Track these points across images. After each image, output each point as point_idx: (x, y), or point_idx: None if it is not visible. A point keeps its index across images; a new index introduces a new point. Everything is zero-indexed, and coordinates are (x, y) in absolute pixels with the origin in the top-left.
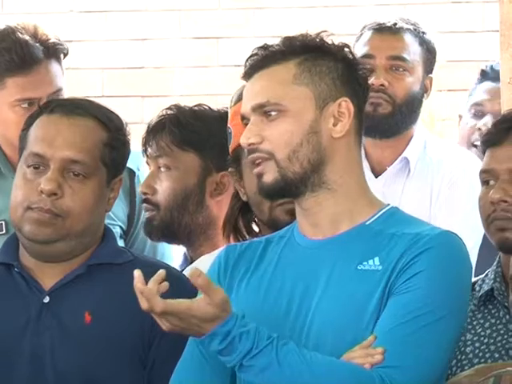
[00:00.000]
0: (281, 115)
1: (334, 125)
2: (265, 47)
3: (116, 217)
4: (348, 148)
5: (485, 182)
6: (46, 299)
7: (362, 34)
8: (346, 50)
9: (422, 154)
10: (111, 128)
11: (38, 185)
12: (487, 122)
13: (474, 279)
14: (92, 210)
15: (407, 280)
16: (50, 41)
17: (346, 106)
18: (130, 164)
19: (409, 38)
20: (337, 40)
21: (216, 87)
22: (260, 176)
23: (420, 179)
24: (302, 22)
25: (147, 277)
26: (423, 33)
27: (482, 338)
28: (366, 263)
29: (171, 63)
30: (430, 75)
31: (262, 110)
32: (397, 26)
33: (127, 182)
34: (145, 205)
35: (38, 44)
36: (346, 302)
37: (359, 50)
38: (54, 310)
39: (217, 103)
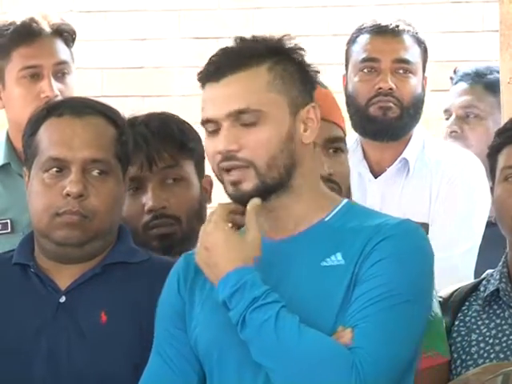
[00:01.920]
0: (259, 122)
1: (305, 130)
2: (230, 50)
3: None
4: (312, 151)
5: (506, 179)
6: (63, 299)
7: (357, 36)
8: (303, 52)
9: (420, 154)
10: (119, 123)
11: (62, 189)
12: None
13: (477, 279)
14: (114, 208)
15: (370, 268)
16: (57, 20)
17: (313, 111)
18: None
19: (409, 40)
20: (338, 40)
21: None
22: (237, 183)
23: (419, 179)
24: (302, 22)
25: (161, 276)
26: (417, 33)
27: (487, 339)
28: (328, 259)
29: (171, 63)
30: (425, 74)
31: (239, 116)
32: (399, 28)
33: None
34: (162, 220)
35: (44, 20)
36: (315, 300)
37: (358, 53)
38: (70, 310)
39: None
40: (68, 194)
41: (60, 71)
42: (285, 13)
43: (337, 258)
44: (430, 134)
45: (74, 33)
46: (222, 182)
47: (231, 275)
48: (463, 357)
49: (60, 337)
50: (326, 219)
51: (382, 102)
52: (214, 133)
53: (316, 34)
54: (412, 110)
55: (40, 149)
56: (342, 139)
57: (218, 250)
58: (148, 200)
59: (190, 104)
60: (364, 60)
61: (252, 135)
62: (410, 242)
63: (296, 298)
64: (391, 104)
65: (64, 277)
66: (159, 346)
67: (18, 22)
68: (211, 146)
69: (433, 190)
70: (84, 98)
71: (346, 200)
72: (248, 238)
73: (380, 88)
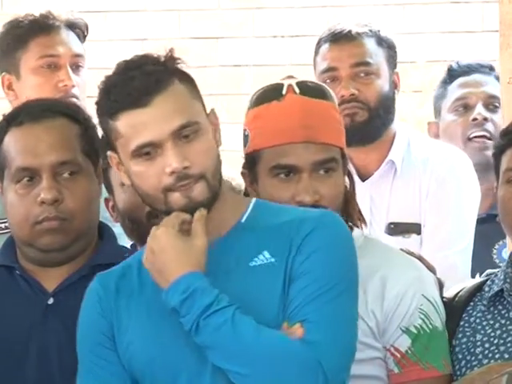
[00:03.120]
0: (197, 134)
1: (214, 134)
2: (138, 76)
3: None
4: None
5: (508, 181)
6: (51, 301)
7: (319, 48)
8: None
9: (406, 154)
10: (80, 119)
11: (36, 196)
12: (480, 110)
13: (481, 279)
14: (92, 206)
15: (302, 264)
16: (71, 16)
17: (214, 115)
18: None
19: (367, 41)
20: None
21: (216, 87)
22: (189, 196)
23: (407, 179)
24: (302, 22)
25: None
26: (378, 31)
27: (492, 339)
28: (256, 259)
29: None
30: (396, 70)
31: (180, 132)
32: (352, 33)
33: None
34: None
35: (59, 14)
36: (250, 302)
37: (319, 64)
38: (58, 312)
39: (216, 103)
40: (43, 202)
41: (76, 63)
42: (285, 13)
43: (265, 257)
44: (415, 131)
45: (87, 29)
46: (163, 201)
47: (181, 281)
48: (468, 357)
49: (50, 339)
50: (242, 220)
51: (348, 108)
52: (149, 157)
53: (316, 34)
54: (381, 110)
55: (7, 161)
56: (333, 159)
57: (167, 254)
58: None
59: None
60: (324, 71)
61: (196, 148)
62: (336, 233)
63: (233, 300)
64: (356, 109)
65: (50, 279)
66: (88, 368)
67: (36, 14)
68: (151, 169)
69: (422, 189)
70: (41, 101)
71: (254, 199)
72: (196, 244)
73: (342, 96)
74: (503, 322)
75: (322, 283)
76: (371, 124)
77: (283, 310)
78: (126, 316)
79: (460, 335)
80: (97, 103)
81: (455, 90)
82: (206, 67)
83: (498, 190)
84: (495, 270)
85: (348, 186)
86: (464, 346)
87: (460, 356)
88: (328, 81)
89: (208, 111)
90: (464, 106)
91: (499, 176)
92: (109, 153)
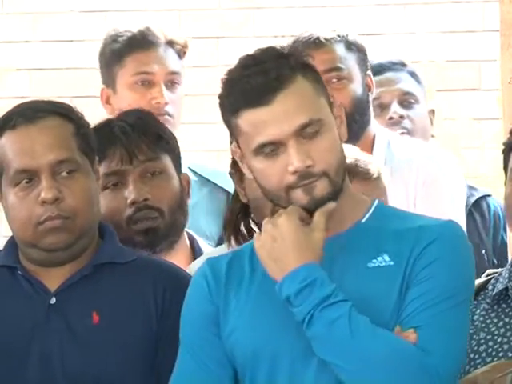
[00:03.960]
0: (320, 131)
1: (339, 128)
2: (259, 72)
3: (210, 236)
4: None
5: None
6: (53, 300)
7: None
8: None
9: (388, 155)
10: (73, 117)
11: (36, 197)
12: (396, 109)
13: (485, 278)
14: (92, 201)
15: (422, 270)
16: (171, 35)
17: (340, 109)
18: (226, 186)
19: (336, 47)
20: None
21: (216, 87)
22: (311, 192)
23: (393, 180)
24: (302, 22)
25: (151, 275)
26: (346, 35)
27: (496, 337)
28: (375, 260)
29: None
30: (368, 72)
31: (302, 130)
32: (321, 39)
33: (223, 204)
34: (146, 212)
35: (159, 31)
36: (365, 302)
37: None
38: (61, 312)
39: (217, 103)
40: (44, 201)
41: (171, 81)
42: (285, 13)
43: (384, 259)
44: (394, 133)
45: (187, 46)
46: (285, 199)
47: (300, 270)
48: (471, 355)
49: (52, 339)
50: (363, 221)
51: None
52: (272, 154)
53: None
54: (357, 115)
55: (4, 165)
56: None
57: (288, 242)
58: (130, 193)
59: (191, 103)
60: None
61: (319, 146)
62: (458, 243)
63: (347, 298)
64: None
65: (52, 278)
66: (191, 350)
67: (134, 30)
68: (274, 167)
69: (410, 190)
70: (33, 102)
71: (376, 201)
72: (315, 236)
73: None
74: (507, 320)
75: (441, 292)
76: (348, 129)
77: (397, 314)
78: (234, 302)
79: None
80: (219, 97)
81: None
82: (207, 67)
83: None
84: (497, 270)
85: None
86: (467, 344)
87: None
88: None
89: (337, 105)
90: (379, 106)
91: (507, 173)
92: (232, 146)
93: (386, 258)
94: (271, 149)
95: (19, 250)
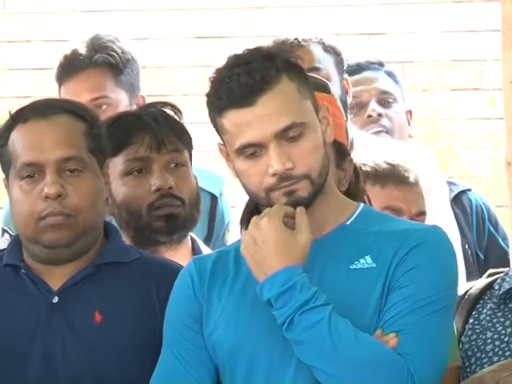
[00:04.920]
0: (302, 134)
1: (325, 130)
2: (245, 72)
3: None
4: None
5: None
6: (55, 299)
7: None
8: (295, 54)
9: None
10: (87, 117)
11: (40, 192)
12: (374, 107)
13: (491, 278)
14: (97, 201)
15: (405, 274)
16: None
17: (326, 110)
18: (211, 188)
19: (314, 48)
20: (340, 40)
21: None
22: (291, 193)
23: None
24: (304, 22)
25: (154, 275)
26: (323, 37)
27: (503, 337)
28: (357, 262)
29: (173, 63)
30: (345, 76)
31: (284, 133)
32: (299, 40)
33: (208, 206)
34: (169, 199)
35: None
36: (345, 303)
37: None
38: (63, 311)
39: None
40: (47, 197)
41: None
42: (287, 12)
43: (366, 261)
44: (370, 135)
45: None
46: (265, 200)
47: (280, 274)
48: (478, 355)
49: (54, 338)
50: (348, 223)
51: None
52: (254, 156)
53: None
54: None
55: (13, 157)
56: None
57: (269, 245)
58: (156, 180)
59: (193, 103)
60: None
61: (301, 149)
62: (442, 249)
63: (328, 299)
64: None
65: (55, 277)
66: (173, 348)
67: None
68: (255, 168)
69: None
70: (48, 99)
71: (362, 204)
72: (300, 239)
73: None
74: None
75: (424, 296)
76: None
77: (377, 316)
78: (217, 301)
79: (470, 333)
80: (206, 95)
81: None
82: (208, 67)
83: None
84: (499, 270)
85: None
86: (474, 344)
87: (470, 353)
88: None
89: (324, 106)
90: (358, 105)
91: None
92: (219, 144)
93: (369, 259)
94: (253, 150)
95: (23, 248)
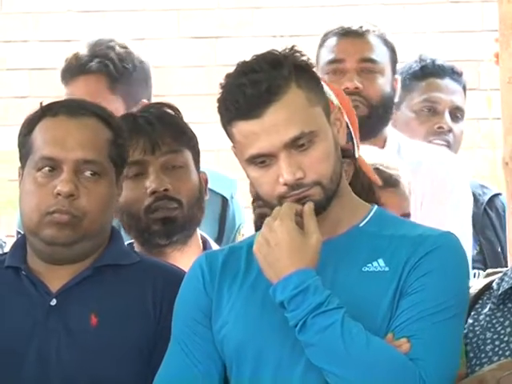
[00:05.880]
0: (312, 142)
1: (338, 132)
2: (253, 82)
3: None
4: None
5: None
6: (53, 302)
7: (325, 41)
8: (305, 57)
9: (397, 158)
10: (114, 126)
11: (53, 188)
12: (448, 120)
13: (490, 279)
14: (106, 210)
15: (418, 279)
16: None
17: (339, 112)
18: (222, 191)
19: (375, 40)
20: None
21: (215, 87)
22: (303, 199)
23: None
24: (301, 22)
25: (151, 278)
26: (384, 33)
27: (502, 337)
28: (370, 265)
29: (170, 63)
30: (396, 76)
31: (294, 143)
32: (363, 29)
33: (219, 209)
34: (165, 201)
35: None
36: (356, 305)
37: (325, 55)
38: (60, 313)
39: (215, 103)
40: (59, 194)
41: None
42: (284, 13)
43: (379, 264)
44: (404, 136)
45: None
46: (276, 206)
47: (293, 277)
48: (478, 354)
49: (50, 339)
50: (361, 225)
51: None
52: (264, 165)
53: (315, 33)
54: (381, 110)
55: (34, 148)
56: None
57: (282, 248)
58: (151, 182)
59: (189, 104)
60: (330, 62)
61: (311, 157)
62: (455, 255)
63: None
64: (358, 103)
65: (55, 279)
66: (181, 342)
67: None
68: (266, 177)
69: (417, 194)
70: (81, 100)
71: (376, 206)
72: (311, 241)
73: (346, 88)
74: None
75: (436, 303)
76: (369, 121)
77: (388, 320)
78: (227, 296)
79: (470, 334)
80: (217, 101)
81: (425, 90)
82: (205, 67)
83: None
84: (497, 270)
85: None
86: (474, 344)
87: (470, 354)
88: (330, 73)
89: (336, 109)
90: (430, 109)
91: None
92: (232, 148)
93: (382, 263)
94: (262, 160)
95: (27, 244)
